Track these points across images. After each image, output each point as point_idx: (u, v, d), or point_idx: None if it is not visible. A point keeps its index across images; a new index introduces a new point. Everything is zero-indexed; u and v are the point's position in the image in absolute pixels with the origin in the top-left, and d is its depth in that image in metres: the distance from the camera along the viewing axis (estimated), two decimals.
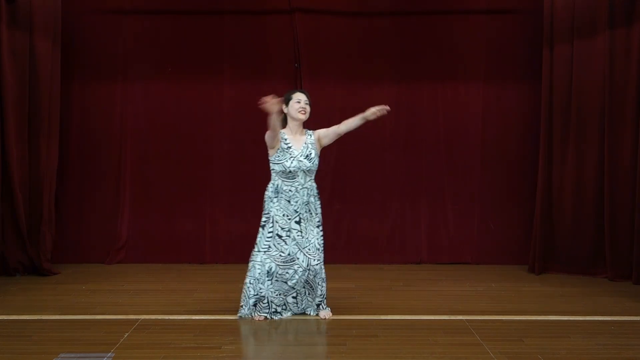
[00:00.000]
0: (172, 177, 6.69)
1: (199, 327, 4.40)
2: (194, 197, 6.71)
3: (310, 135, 4.67)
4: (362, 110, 6.76)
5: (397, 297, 5.32)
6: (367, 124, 6.77)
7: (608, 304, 5.11)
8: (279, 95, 6.66)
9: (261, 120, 6.67)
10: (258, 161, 6.70)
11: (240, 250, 6.68)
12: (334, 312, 4.73)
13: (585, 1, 6.00)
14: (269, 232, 4.54)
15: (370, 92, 6.67)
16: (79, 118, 6.62)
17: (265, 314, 4.56)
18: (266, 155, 6.68)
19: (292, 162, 4.53)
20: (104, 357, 3.81)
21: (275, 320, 4.55)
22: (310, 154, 4.57)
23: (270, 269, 4.52)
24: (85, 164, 6.64)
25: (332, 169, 6.59)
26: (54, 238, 6.20)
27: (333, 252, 6.69)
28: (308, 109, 4.62)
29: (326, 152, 6.42)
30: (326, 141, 4.70)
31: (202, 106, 6.70)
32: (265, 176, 6.71)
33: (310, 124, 6.83)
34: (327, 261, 6.68)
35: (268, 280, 4.53)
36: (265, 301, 4.55)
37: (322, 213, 6.67)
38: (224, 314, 4.73)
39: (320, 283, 4.63)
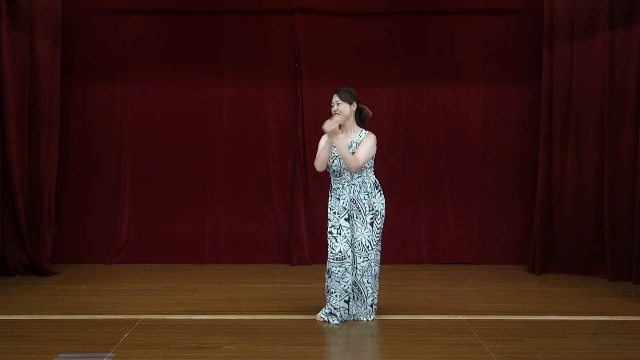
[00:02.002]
0: (172, 177, 6.69)
1: (199, 327, 4.40)
2: (194, 197, 6.71)
3: (360, 136, 4.56)
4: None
5: (397, 297, 5.32)
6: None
7: (608, 304, 5.11)
8: (280, 93, 6.72)
9: (261, 120, 6.73)
10: (258, 161, 6.74)
11: (240, 250, 6.71)
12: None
13: (585, 1, 6.00)
14: (328, 230, 4.57)
15: (370, 92, 6.64)
16: (79, 118, 6.62)
17: (324, 317, 4.54)
18: (265, 155, 6.74)
19: (334, 161, 4.52)
20: (104, 357, 3.81)
21: (277, 321, 4.55)
22: (353, 152, 4.49)
23: (328, 266, 4.54)
24: (85, 164, 6.64)
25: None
26: (54, 238, 6.20)
27: None
28: (342, 107, 4.50)
29: None
30: None
31: (202, 106, 6.70)
32: (264, 176, 6.77)
33: (311, 124, 6.83)
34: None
35: (328, 278, 4.54)
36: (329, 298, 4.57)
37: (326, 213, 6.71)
38: (224, 314, 4.73)
39: (370, 282, 4.51)
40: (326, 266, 4.56)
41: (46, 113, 6.04)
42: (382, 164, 6.69)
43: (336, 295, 4.49)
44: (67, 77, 6.45)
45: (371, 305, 4.57)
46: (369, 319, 4.55)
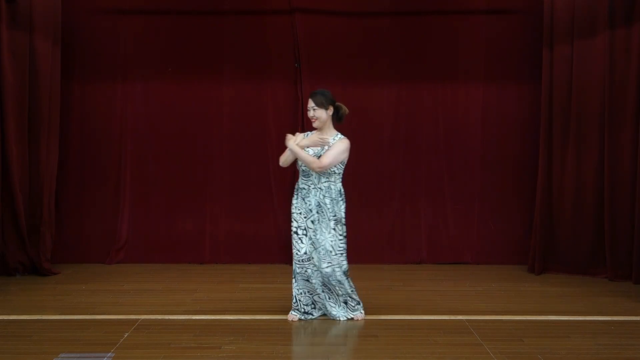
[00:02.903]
0: (172, 177, 6.69)
1: (199, 327, 4.40)
2: (194, 197, 6.71)
3: (334, 139, 4.54)
4: (361, 110, 6.80)
5: (397, 297, 5.32)
6: (367, 124, 6.80)
7: (608, 304, 5.11)
8: (280, 93, 6.72)
9: (261, 120, 6.73)
10: (258, 161, 6.74)
11: (240, 250, 6.71)
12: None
13: (585, 1, 6.00)
14: (292, 230, 4.59)
15: (370, 92, 6.68)
16: (79, 118, 6.62)
17: (298, 314, 4.58)
18: (265, 155, 6.74)
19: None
20: (104, 357, 3.81)
21: (277, 321, 4.55)
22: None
23: (294, 266, 4.58)
24: (85, 164, 6.64)
25: None
26: (54, 238, 6.19)
27: None
28: (318, 113, 4.49)
29: None
30: None
31: (202, 106, 6.69)
32: (264, 176, 6.77)
33: (311, 124, 6.84)
34: None
35: (293, 277, 4.59)
36: (295, 300, 4.60)
37: None
38: (224, 314, 4.73)
39: (337, 285, 4.53)
40: (293, 267, 4.59)
41: (46, 113, 6.04)
42: (382, 164, 6.74)
43: (305, 292, 4.55)
44: (67, 77, 6.44)
45: (345, 302, 4.58)
46: (348, 318, 4.56)
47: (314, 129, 4.63)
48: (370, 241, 6.72)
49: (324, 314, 4.64)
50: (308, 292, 4.57)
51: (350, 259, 6.48)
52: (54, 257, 6.23)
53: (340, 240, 4.54)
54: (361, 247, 6.69)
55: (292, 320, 4.56)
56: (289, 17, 6.61)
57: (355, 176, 6.67)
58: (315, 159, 4.43)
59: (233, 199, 6.72)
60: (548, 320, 4.67)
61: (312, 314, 4.60)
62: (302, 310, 4.59)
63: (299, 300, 4.58)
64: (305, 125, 6.55)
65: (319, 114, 4.50)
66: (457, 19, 6.70)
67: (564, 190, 6.19)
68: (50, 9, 6.01)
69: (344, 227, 4.58)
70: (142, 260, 6.58)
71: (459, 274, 6.25)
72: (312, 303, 4.60)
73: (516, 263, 6.56)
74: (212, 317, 4.65)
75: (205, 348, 3.99)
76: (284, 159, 4.60)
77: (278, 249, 6.67)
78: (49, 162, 6.11)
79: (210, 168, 6.71)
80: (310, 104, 4.52)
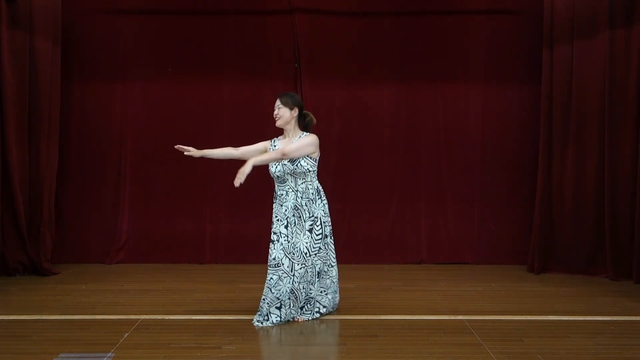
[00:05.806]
0: (172, 177, 6.69)
1: (199, 327, 4.40)
2: (194, 197, 6.71)
3: (300, 137, 4.56)
4: (361, 110, 6.79)
5: (397, 297, 5.32)
6: (367, 124, 6.81)
7: (608, 304, 5.11)
8: (280, 93, 6.72)
9: (261, 120, 6.73)
10: None
11: (240, 251, 6.70)
12: (335, 312, 4.73)
13: (585, 1, 6.00)
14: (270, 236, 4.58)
15: (371, 92, 6.68)
16: (79, 118, 6.62)
17: (259, 323, 4.49)
18: None
19: (276, 167, 4.53)
20: (104, 357, 3.81)
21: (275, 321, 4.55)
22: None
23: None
24: (85, 164, 6.64)
25: (332, 169, 6.59)
26: (54, 238, 6.20)
27: None
28: (281, 112, 4.55)
29: (326, 153, 6.44)
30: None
31: (201, 106, 6.69)
32: (264, 176, 6.75)
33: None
34: None
35: (278, 282, 4.50)
36: (280, 303, 4.49)
37: None
38: (224, 314, 4.73)
39: (304, 287, 4.48)
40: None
41: (46, 113, 6.04)
42: (382, 164, 6.73)
43: (267, 302, 4.44)
44: (67, 77, 6.45)
45: (301, 308, 4.51)
46: (308, 319, 4.50)
47: (312, 128, 4.65)
48: (370, 241, 6.72)
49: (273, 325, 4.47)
50: (270, 302, 4.44)
51: (350, 258, 6.58)
52: (54, 257, 6.24)
53: (317, 241, 4.51)
54: (361, 247, 6.71)
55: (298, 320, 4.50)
56: (289, 17, 6.61)
57: (355, 176, 6.69)
58: (278, 151, 4.44)
59: (233, 199, 6.70)
60: (548, 320, 4.67)
61: (262, 324, 4.44)
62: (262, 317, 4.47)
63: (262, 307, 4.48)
64: None
65: (282, 112, 4.56)
66: (457, 19, 6.70)
67: (564, 190, 6.19)
68: (50, 9, 6.01)
69: (324, 225, 4.55)
70: (142, 260, 6.58)
71: (459, 274, 6.25)
72: (267, 314, 4.45)
73: (516, 263, 6.56)
74: (212, 317, 4.65)
75: (205, 348, 3.99)
76: (249, 152, 4.71)
77: None
78: (49, 162, 6.11)
79: (210, 168, 6.69)
80: (276, 102, 4.59)
